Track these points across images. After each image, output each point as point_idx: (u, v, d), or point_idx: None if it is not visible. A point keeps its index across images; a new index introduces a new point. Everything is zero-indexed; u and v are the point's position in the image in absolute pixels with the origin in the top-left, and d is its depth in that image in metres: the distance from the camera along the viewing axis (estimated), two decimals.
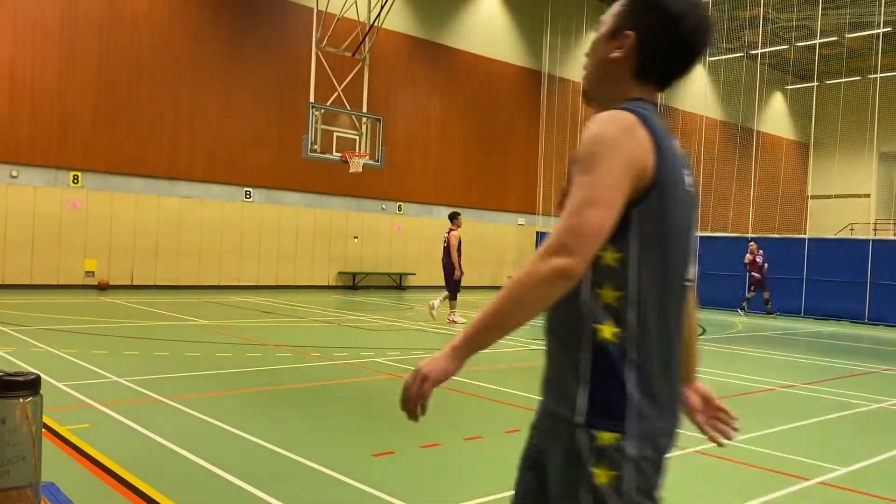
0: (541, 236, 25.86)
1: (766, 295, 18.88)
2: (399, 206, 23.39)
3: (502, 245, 25.90)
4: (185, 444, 4.76)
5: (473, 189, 25.21)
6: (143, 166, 18.42)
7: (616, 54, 1.73)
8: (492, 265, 25.74)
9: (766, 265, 18.80)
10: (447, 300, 13.33)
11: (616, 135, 1.56)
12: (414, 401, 1.63)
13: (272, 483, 4.12)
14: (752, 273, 18.93)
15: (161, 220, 18.71)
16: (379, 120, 17.75)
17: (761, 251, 18.95)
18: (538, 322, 1.70)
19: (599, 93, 1.79)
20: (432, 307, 13.25)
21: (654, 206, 1.59)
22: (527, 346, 10.89)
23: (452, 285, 13.30)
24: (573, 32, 27.93)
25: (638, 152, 1.56)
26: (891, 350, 12.73)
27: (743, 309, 19.24)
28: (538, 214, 26.88)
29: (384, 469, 4.51)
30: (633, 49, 1.71)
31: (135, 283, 18.23)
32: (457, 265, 13.16)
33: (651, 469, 1.58)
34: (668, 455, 1.63)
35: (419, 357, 9.07)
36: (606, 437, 1.54)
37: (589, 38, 28.88)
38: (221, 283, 19.67)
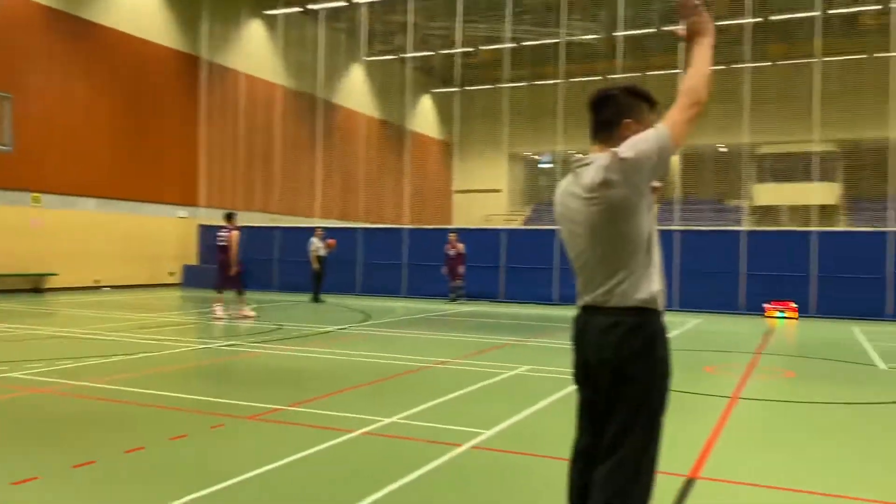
0: (205, 230, 24.83)
1: (458, 283, 19.92)
2: (36, 197, 20.58)
3: (161, 239, 24.29)
4: None
5: (126, 179, 23.21)
6: None
7: None
8: (150, 261, 23.99)
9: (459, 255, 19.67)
10: (244, 300, 14.26)
11: None
12: None
13: None
14: (455, 262, 19.64)
15: None
16: (7, 98, 15.46)
17: (461, 244, 19.73)
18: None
19: None
20: (242, 314, 13.93)
21: None
22: (192, 346, 10.41)
23: (233, 280, 14.15)
24: (232, 20, 27.20)
25: None
26: (523, 324, 14.71)
27: (459, 300, 19.83)
28: (200, 206, 25.73)
29: (28, 498, 3.98)
30: None
31: None
32: (234, 262, 14.15)
33: None
34: None
35: (67, 367, 8.12)
36: None
37: (249, 26, 28.40)
38: None
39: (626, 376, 2.77)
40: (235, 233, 14.25)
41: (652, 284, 2.79)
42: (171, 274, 24.63)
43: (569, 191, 2.92)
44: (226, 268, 14.18)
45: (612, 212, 2.73)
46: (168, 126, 24.78)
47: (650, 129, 2.76)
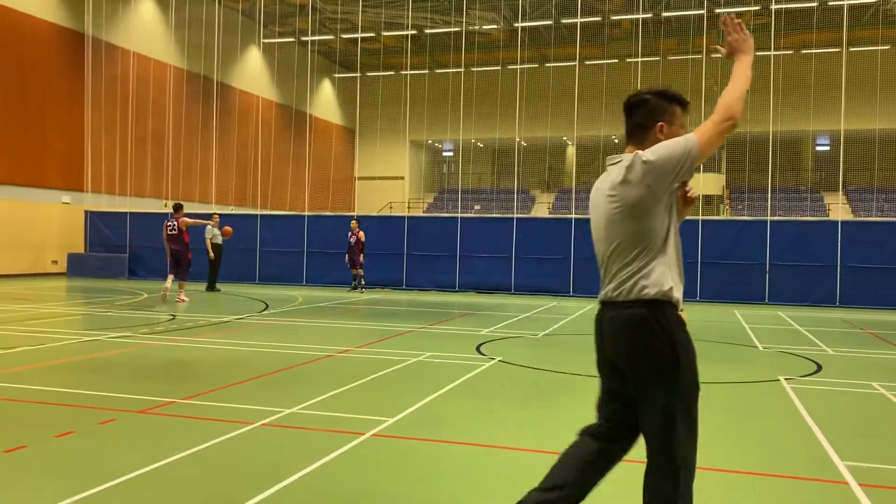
0: (91, 216, 23.60)
1: (358, 272, 19.35)
2: None
3: (44, 226, 22.92)
4: None
5: (3, 162, 21.74)
6: None
7: None
8: (31, 249, 22.61)
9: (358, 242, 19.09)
10: (183, 283, 15.43)
11: None
12: None
13: None
14: (355, 251, 19.05)
15: None
16: None
17: (361, 231, 19.08)
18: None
19: None
20: (180, 298, 14.95)
21: None
22: (79, 338, 9.90)
23: (187, 267, 15.53)
24: None
25: None
26: (425, 311, 14.80)
27: (361, 288, 19.32)
28: (87, 192, 24.42)
29: None
30: None
31: None
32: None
33: None
34: None
35: None
36: None
37: (139, 3, 27.07)
38: None
39: (642, 368, 2.86)
40: (185, 219, 15.52)
41: (666, 280, 2.87)
42: (55, 263, 23.32)
43: (598, 187, 3.05)
44: (181, 254, 15.29)
45: (628, 210, 2.84)
46: (51, 106, 23.34)
47: (681, 136, 2.86)
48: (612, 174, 2.93)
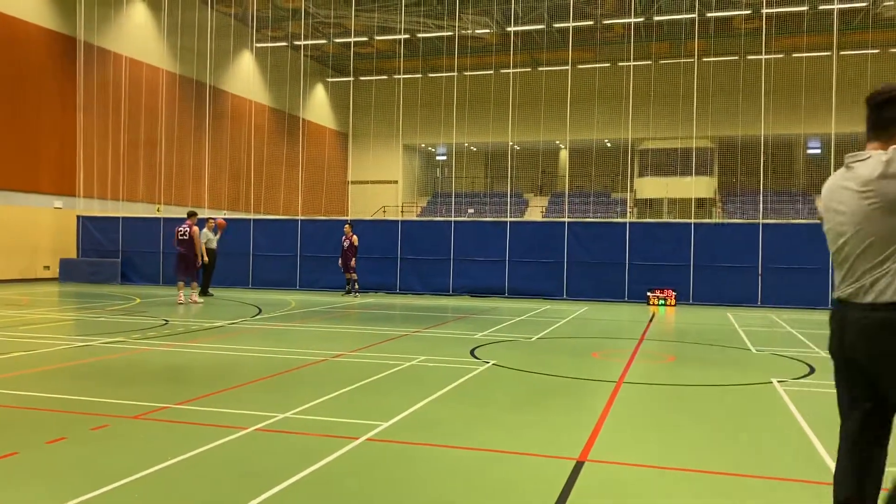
0: (83, 221, 23.50)
1: (352, 276, 19.20)
2: None
3: (36, 231, 22.82)
4: None
5: None
6: None
7: None
8: (24, 254, 22.51)
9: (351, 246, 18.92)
10: (196, 288, 16.17)
11: None
12: None
13: None
14: (348, 255, 18.87)
15: None
16: None
17: (354, 235, 18.94)
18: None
19: None
20: (193, 300, 15.68)
21: None
22: (71, 343, 9.85)
23: (194, 272, 16.09)
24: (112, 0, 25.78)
25: None
26: (418, 314, 14.80)
27: (354, 292, 19.19)
28: (79, 196, 24.33)
29: None
30: None
31: None
32: (202, 254, 16.32)
33: None
34: None
35: None
36: None
37: (131, 8, 27.01)
38: None
39: (880, 373, 2.82)
40: (196, 228, 15.99)
41: None
42: (47, 268, 23.21)
43: (840, 184, 2.98)
44: (188, 259, 15.76)
45: (888, 205, 2.79)
46: (44, 111, 23.26)
47: None
48: (863, 170, 2.88)
